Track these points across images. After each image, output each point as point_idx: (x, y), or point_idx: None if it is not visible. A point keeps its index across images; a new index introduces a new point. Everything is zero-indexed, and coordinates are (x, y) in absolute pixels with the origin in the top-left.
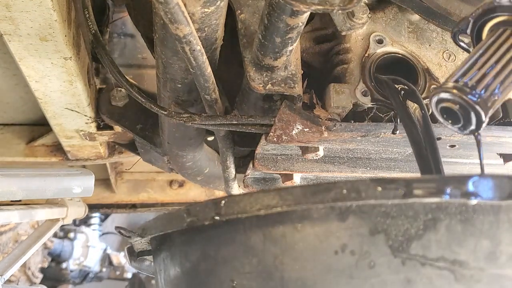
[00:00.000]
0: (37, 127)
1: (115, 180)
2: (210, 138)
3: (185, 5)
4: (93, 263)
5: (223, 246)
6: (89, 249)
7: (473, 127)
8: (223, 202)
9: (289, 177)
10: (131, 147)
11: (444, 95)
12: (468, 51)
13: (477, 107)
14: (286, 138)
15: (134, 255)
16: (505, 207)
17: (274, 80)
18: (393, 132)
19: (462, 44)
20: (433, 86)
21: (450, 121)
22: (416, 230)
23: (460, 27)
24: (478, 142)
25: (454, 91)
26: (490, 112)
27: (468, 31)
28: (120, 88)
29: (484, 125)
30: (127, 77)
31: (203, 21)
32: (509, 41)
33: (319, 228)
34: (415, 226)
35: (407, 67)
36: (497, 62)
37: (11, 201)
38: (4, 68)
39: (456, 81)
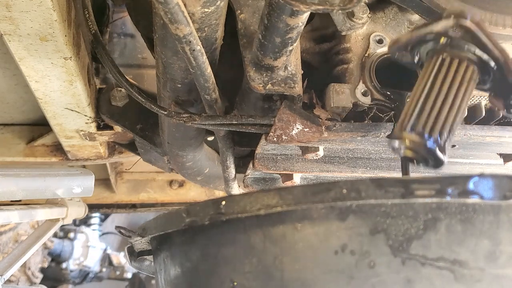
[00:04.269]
0: (37, 127)
1: (115, 180)
2: (210, 138)
3: (185, 5)
4: (93, 263)
5: (223, 246)
6: (89, 249)
7: (435, 165)
8: (223, 202)
9: (289, 177)
10: (131, 147)
11: (403, 146)
12: (410, 65)
13: (437, 153)
14: (286, 138)
15: (134, 255)
16: (505, 207)
17: (274, 80)
18: (389, 136)
19: (405, 62)
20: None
21: (414, 161)
22: (416, 230)
23: (394, 48)
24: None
25: (411, 143)
26: (448, 150)
27: (405, 50)
28: (120, 88)
29: (445, 163)
30: (127, 77)
31: (203, 21)
32: (451, 71)
33: (319, 228)
34: (415, 226)
35: (407, 67)
36: (445, 98)
37: (11, 201)
38: (4, 68)
39: (412, 129)
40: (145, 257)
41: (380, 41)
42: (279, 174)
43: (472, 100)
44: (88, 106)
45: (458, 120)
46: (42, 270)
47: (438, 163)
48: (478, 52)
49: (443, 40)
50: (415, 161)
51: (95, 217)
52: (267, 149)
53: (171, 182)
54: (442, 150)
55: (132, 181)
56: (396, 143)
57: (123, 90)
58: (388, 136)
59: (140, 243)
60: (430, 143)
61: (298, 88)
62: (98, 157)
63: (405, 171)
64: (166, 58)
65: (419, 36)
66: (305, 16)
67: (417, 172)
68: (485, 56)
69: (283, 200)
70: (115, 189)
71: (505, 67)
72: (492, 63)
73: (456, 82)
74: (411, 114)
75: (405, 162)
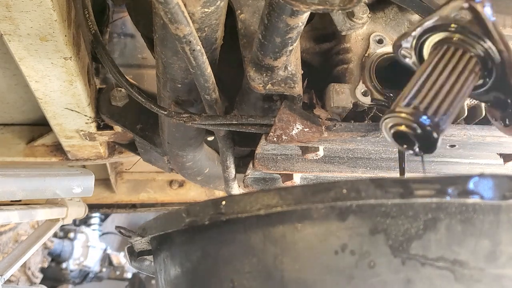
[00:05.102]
0: (37, 127)
1: (115, 180)
2: (210, 138)
3: (185, 5)
4: (93, 263)
5: (223, 246)
6: (89, 249)
7: (428, 145)
8: (223, 202)
9: (289, 177)
10: (131, 147)
11: (395, 120)
12: (410, 66)
13: (431, 131)
14: (286, 138)
15: (134, 255)
16: (505, 207)
17: (274, 80)
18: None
19: (406, 59)
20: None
21: (404, 145)
22: (416, 230)
23: (401, 42)
24: (422, 161)
25: (406, 116)
26: (443, 134)
27: (410, 46)
28: (120, 88)
29: (438, 145)
30: (127, 77)
31: (203, 21)
32: (453, 59)
33: (319, 228)
34: (415, 226)
35: (407, 67)
36: (444, 82)
37: (11, 201)
38: (4, 68)
39: (408, 104)
40: (145, 257)
41: (380, 41)
42: (279, 174)
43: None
44: (88, 106)
45: (455, 105)
46: (42, 270)
47: (432, 143)
48: (483, 43)
49: (453, 26)
50: (409, 142)
51: (95, 217)
52: (267, 149)
53: (171, 182)
54: (436, 129)
55: (132, 181)
56: (388, 118)
57: (123, 90)
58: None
59: (140, 243)
60: (423, 118)
61: (298, 88)
62: (98, 157)
63: (401, 162)
64: (166, 58)
65: (429, 21)
66: (305, 16)
67: (416, 166)
68: (489, 45)
69: (283, 200)
70: (115, 189)
71: (507, 63)
72: (495, 55)
73: (457, 69)
74: (408, 92)
75: (401, 152)
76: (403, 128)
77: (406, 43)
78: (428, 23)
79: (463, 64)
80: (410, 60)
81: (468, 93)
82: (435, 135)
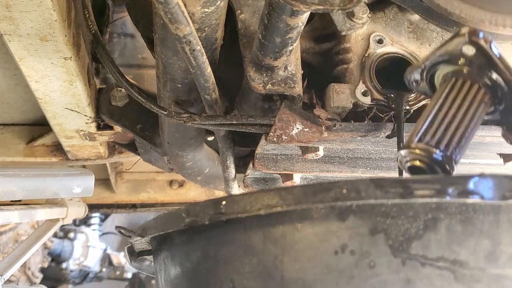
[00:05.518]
0: (37, 127)
1: (115, 180)
2: (210, 138)
3: (185, 5)
4: (93, 263)
5: (223, 246)
6: (89, 249)
7: None
8: (223, 202)
9: (289, 177)
10: (131, 147)
11: (410, 156)
12: (424, 93)
13: (444, 165)
14: (286, 138)
15: (134, 255)
16: (505, 207)
17: (274, 80)
18: (388, 137)
19: (418, 88)
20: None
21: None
22: (416, 230)
23: (412, 74)
24: None
25: (419, 152)
26: (456, 166)
27: (421, 77)
28: (120, 88)
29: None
30: (127, 77)
31: (203, 21)
32: (462, 92)
33: (319, 228)
34: (415, 226)
35: (407, 67)
36: (454, 115)
37: (11, 201)
38: (4, 68)
39: (420, 140)
40: (145, 257)
41: (380, 41)
42: (279, 174)
43: None
44: (88, 106)
45: (466, 137)
46: (42, 270)
47: (447, 174)
48: (490, 74)
49: (461, 61)
50: (425, 173)
51: (95, 217)
52: (267, 149)
53: (171, 182)
54: (449, 162)
55: (132, 181)
56: (403, 154)
57: (123, 90)
58: (400, 150)
59: (140, 243)
60: (436, 154)
61: (298, 88)
62: (98, 157)
63: (401, 172)
64: (166, 58)
65: (436, 56)
66: (305, 16)
67: None
68: (496, 77)
69: (283, 200)
70: (115, 189)
71: None
72: (503, 85)
73: (466, 102)
74: (420, 127)
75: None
76: (417, 163)
77: (416, 75)
78: (436, 58)
79: (472, 95)
80: (423, 89)
81: (479, 122)
82: (448, 168)
